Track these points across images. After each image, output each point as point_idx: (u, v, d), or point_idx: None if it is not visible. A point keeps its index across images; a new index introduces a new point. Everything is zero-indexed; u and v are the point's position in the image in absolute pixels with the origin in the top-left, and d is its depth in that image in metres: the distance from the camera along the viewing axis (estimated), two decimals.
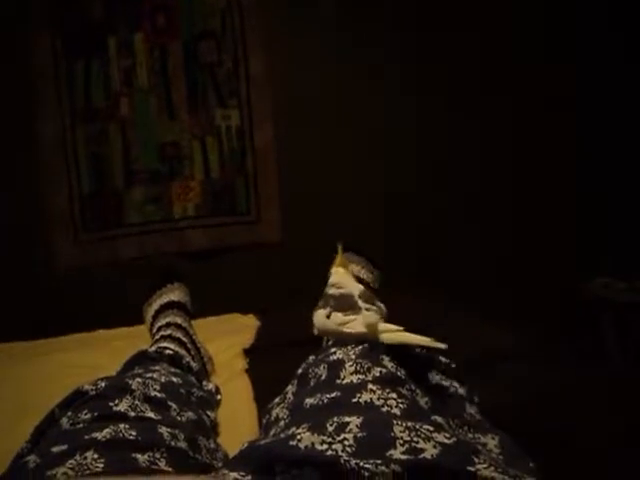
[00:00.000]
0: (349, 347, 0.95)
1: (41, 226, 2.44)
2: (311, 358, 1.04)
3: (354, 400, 0.79)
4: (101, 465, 0.74)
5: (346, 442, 0.69)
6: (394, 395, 0.79)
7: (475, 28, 2.55)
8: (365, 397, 0.79)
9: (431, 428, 0.71)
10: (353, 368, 0.87)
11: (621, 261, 2.48)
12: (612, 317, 2.44)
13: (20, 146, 2.43)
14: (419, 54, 2.57)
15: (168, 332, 1.38)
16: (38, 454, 0.79)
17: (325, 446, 0.69)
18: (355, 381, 0.84)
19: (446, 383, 0.96)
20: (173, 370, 1.16)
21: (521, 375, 1.17)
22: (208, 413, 1.09)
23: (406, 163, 2.58)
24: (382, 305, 1.12)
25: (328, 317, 1.07)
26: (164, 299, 1.50)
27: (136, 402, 0.92)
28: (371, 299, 1.09)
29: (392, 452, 0.67)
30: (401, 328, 0.98)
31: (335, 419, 0.73)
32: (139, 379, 0.99)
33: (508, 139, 2.61)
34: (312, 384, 0.91)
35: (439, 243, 2.58)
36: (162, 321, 1.44)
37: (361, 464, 0.65)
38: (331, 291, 1.15)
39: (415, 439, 0.68)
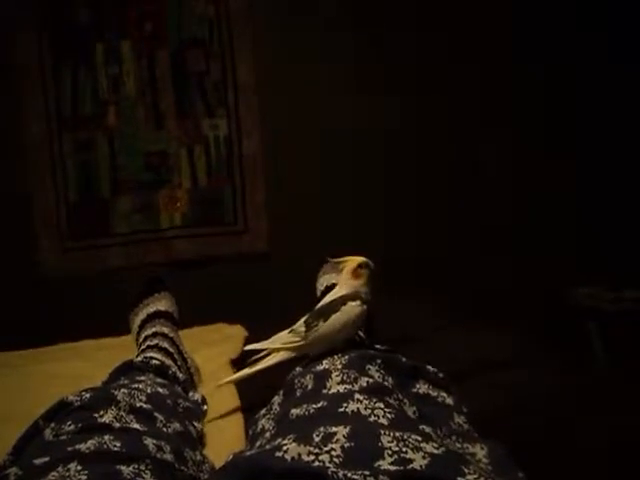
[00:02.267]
0: (336, 357, 0.95)
1: (26, 233, 2.42)
2: (297, 369, 1.03)
3: (341, 410, 0.78)
4: (84, 477, 0.73)
5: (333, 452, 0.68)
6: (381, 405, 0.78)
7: (477, 28, 2.55)
8: (352, 407, 0.78)
9: (419, 438, 0.70)
10: (339, 378, 0.86)
11: (609, 270, 2.48)
12: (599, 326, 2.44)
13: (6, 151, 2.41)
14: (418, 54, 2.56)
15: (155, 342, 1.37)
16: (20, 466, 0.77)
17: (312, 457, 0.68)
18: (342, 391, 0.83)
19: (434, 393, 0.96)
20: (159, 381, 1.15)
21: (519, 381, 1.17)
22: (194, 424, 1.08)
23: (404, 169, 2.57)
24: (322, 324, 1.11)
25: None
26: (151, 308, 1.48)
27: (121, 413, 0.91)
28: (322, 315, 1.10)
29: (380, 463, 0.66)
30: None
31: (322, 429, 0.72)
32: (125, 390, 0.98)
33: (508, 141, 2.60)
34: (298, 394, 0.91)
35: (436, 251, 2.56)
36: (148, 331, 1.42)
37: (349, 475, 0.64)
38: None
39: (404, 449, 0.68)
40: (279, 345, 1.14)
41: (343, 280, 1.15)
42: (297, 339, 1.11)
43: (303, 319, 1.14)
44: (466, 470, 0.65)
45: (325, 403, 0.81)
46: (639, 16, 2.56)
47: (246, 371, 1.17)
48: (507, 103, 2.58)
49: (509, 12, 2.58)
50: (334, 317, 1.09)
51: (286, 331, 1.15)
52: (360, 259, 1.14)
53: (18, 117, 2.40)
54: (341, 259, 1.17)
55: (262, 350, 1.17)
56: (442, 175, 2.60)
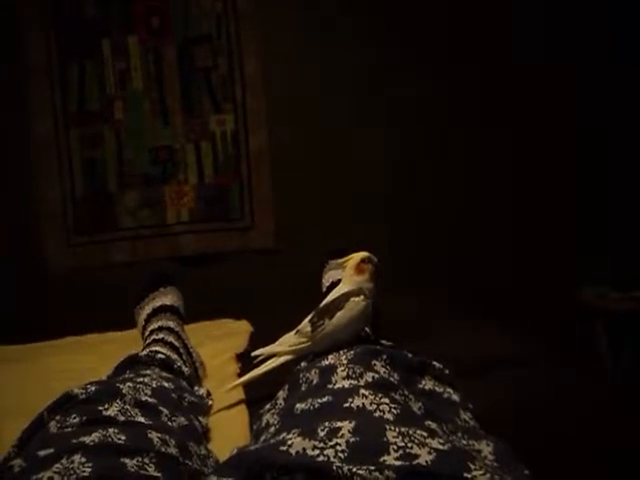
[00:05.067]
0: (341, 352, 0.94)
1: (33, 228, 2.43)
2: (303, 363, 1.03)
3: (346, 405, 0.78)
4: (88, 469, 0.72)
5: (338, 447, 0.68)
6: (387, 400, 0.78)
7: (477, 28, 2.55)
8: (357, 402, 0.78)
9: (425, 434, 0.70)
10: (345, 373, 0.86)
11: (616, 270, 2.47)
12: (606, 326, 2.44)
13: (13, 147, 2.42)
14: (419, 54, 2.56)
15: (160, 336, 1.37)
16: (24, 458, 0.77)
17: (317, 451, 0.68)
18: (347, 386, 0.83)
19: (439, 389, 0.95)
20: (165, 375, 1.15)
21: (520, 380, 1.16)
22: (199, 418, 1.08)
23: (406, 167, 2.57)
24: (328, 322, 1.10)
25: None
26: (157, 303, 1.48)
27: (126, 407, 0.91)
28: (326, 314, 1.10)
29: (385, 458, 0.66)
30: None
31: (327, 424, 0.72)
32: (130, 383, 0.97)
33: (508, 142, 2.60)
34: (303, 389, 0.90)
35: (438, 249, 2.56)
36: (154, 325, 1.42)
37: (354, 470, 0.64)
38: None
39: (409, 445, 0.67)
40: (287, 348, 1.13)
41: (346, 276, 1.14)
42: (304, 340, 1.11)
43: (308, 318, 1.13)
44: (472, 466, 0.65)
45: (330, 398, 0.81)
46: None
47: (254, 373, 1.17)
48: (507, 101, 2.58)
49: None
50: (339, 315, 1.08)
51: (292, 332, 1.14)
52: (363, 254, 1.13)
53: (25, 112, 2.41)
54: (344, 258, 1.17)
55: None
56: (443, 175, 2.59)
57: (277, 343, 1.16)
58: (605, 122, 2.58)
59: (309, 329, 1.10)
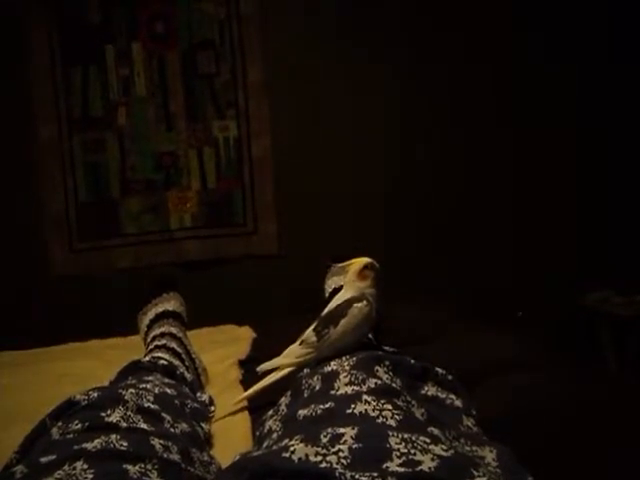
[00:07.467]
0: (344, 358, 0.94)
1: (36, 233, 2.43)
2: (305, 370, 1.03)
3: (348, 411, 0.77)
4: (90, 476, 0.72)
5: (341, 454, 0.67)
6: (389, 406, 0.78)
7: (476, 29, 2.55)
8: (360, 408, 0.77)
9: (428, 440, 0.70)
10: (347, 379, 0.86)
11: (620, 275, 2.47)
12: (610, 330, 2.43)
13: (16, 153, 2.42)
14: (419, 56, 2.57)
15: (163, 342, 1.36)
16: (26, 464, 0.77)
17: (319, 458, 0.67)
18: (350, 392, 0.82)
19: (442, 395, 0.95)
20: (167, 381, 1.14)
21: (521, 386, 1.16)
22: (202, 425, 1.07)
23: (407, 173, 2.57)
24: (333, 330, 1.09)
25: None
26: (159, 308, 1.48)
27: (129, 413, 0.90)
28: (331, 321, 1.09)
29: (388, 464, 0.66)
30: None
31: (329, 430, 0.72)
32: (132, 390, 0.97)
33: (509, 142, 2.60)
34: (306, 395, 0.90)
35: (438, 253, 2.56)
36: (157, 331, 1.42)
37: (357, 476, 0.63)
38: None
39: (412, 451, 0.67)
40: (294, 359, 1.12)
41: (349, 282, 1.14)
42: (310, 350, 1.10)
43: (312, 327, 1.12)
44: (475, 473, 0.64)
45: (333, 404, 0.80)
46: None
47: (260, 385, 1.16)
48: (507, 101, 2.58)
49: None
50: (343, 322, 1.08)
51: (296, 343, 1.13)
52: (365, 260, 1.12)
53: (29, 118, 2.41)
54: (347, 262, 1.16)
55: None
56: (443, 178, 2.60)
57: (283, 355, 1.14)
58: (605, 122, 2.58)
59: (314, 339, 1.09)
